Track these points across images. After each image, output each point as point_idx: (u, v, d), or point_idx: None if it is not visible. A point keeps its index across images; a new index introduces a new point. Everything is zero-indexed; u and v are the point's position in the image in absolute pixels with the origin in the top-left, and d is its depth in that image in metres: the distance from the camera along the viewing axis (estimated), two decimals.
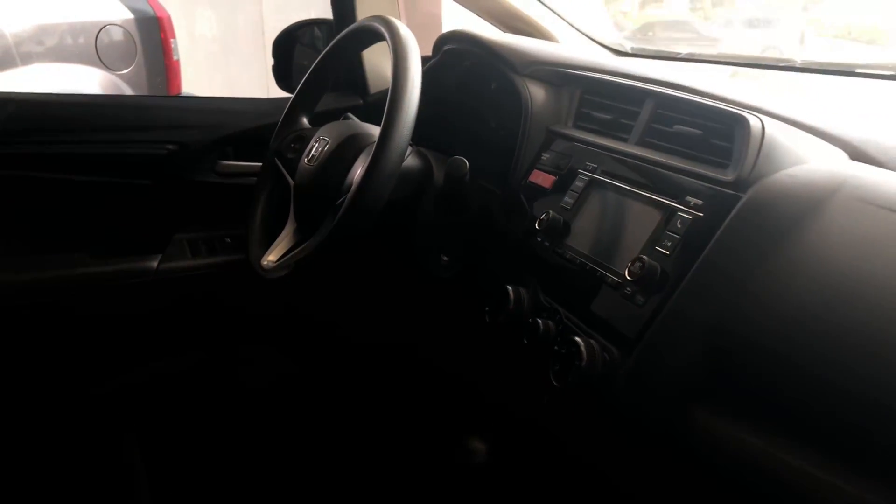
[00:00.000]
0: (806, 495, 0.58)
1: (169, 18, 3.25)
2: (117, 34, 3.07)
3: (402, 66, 0.94)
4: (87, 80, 2.97)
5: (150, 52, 3.17)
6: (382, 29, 1.03)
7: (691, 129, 0.84)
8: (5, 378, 1.17)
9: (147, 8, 3.18)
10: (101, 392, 1.24)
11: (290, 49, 1.61)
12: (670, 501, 0.73)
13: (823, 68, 1.31)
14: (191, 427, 1.14)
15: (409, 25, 1.49)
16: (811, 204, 0.69)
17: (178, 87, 3.33)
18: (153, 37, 3.17)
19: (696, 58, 1.52)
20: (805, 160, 0.76)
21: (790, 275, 0.66)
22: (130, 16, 3.12)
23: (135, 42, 3.12)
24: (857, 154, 0.81)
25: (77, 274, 1.35)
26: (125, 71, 3.11)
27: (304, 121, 1.24)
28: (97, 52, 3.00)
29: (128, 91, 3.13)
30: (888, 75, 1.17)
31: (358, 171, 1.02)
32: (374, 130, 1.11)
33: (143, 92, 3.20)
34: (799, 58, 1.32)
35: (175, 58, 3.26)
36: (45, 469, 1.06)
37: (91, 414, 1.20)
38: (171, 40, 3.23)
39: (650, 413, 0.71)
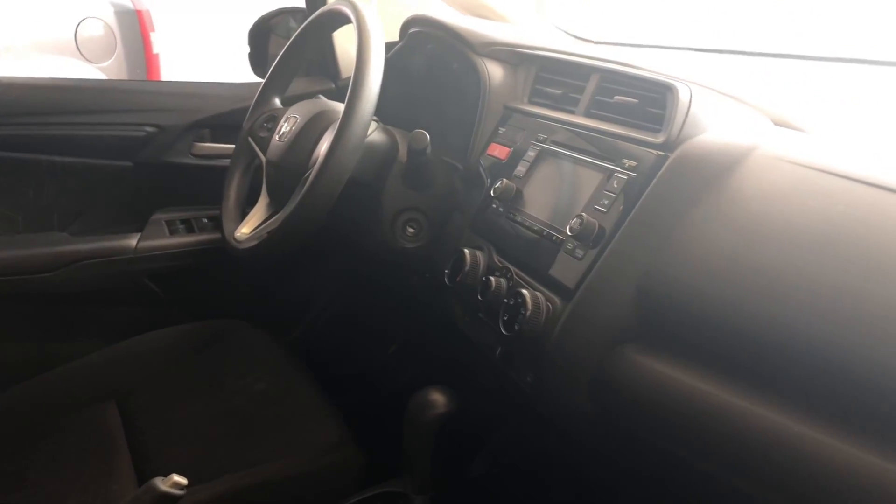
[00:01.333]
0: (716, 417, 0.65)
1: (148, 12, 3.28)
2: (97, 27, 3.10)
3: (364, 44, 1.00)
4: (68, 73, 3.00)
5: (130, 46, 3.21)
6: (348, 11, 1.09)
7: (629, 99, 0.91)
8: None
9: (127, 2, 3.22)
10: (80, 365, 1.28)
11: (265, 37, 1.65)
12: (605, 436, 0.80)
13: (772, 54, 1.38)
14: (170, 397, 1.19)
15: (383, 13, 1.56)
16: (731, 160, 0.76)
17: (158, 79, 3.37)
18: (133, 30, 3.20)
19: (658, 46, 1.59)
20: (730, 124, 0.83)
21: (710, 223, 0.73)
22: (110, 9, 3.16)
23: (114, 35, 3.15)
24: (780, 121, 0.88)
25: (56, 252, 1.40)
26: (105, 64, 3.14)
27: (277, 101, 1.29)
28: (77, 44, 3.03)
29: None
30: (829, 58, 1.25)
31: (324, 145, 1.08)
32: (341, 107, 1.17)
33: None
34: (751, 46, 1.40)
35: (155, 51, 3.29)
36: (28, 440, 1.10)
37: (72, 386, 1.24)
38: (151, 34, 3.27)
39: (584, 355, 0.78)
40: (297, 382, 1.22)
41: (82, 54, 3.06)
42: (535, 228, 0.91)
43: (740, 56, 1.46)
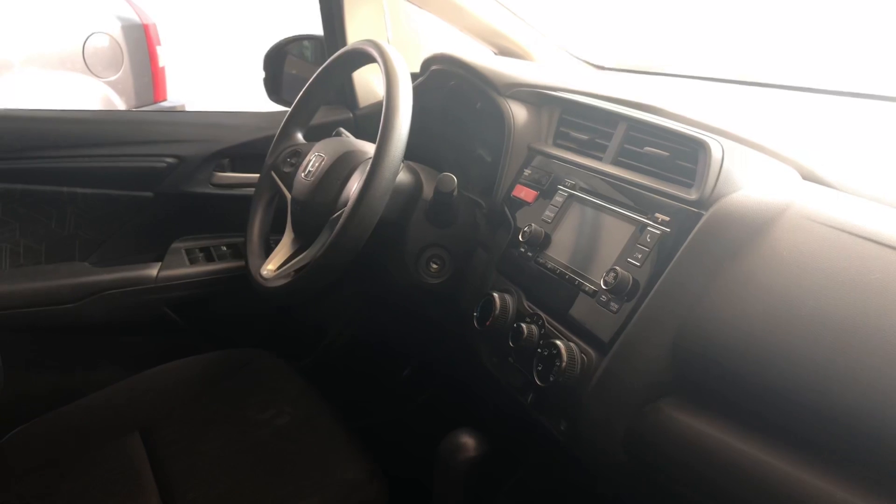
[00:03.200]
0: (753, 478, 0.66)
1: (155, 26, 3.29)
2: (104, 41, 3.10)
3: (394, 89, 1.01)
4: (74, 88, 3.01)
5: (137, 60, 3.21)
6: (374, 53, 1.10)
7: (660, 152, 0.93)
8: (11, 384, 1.22)
9: (133, 16, 3.23)
10: (102, 396, 1.29)
11: (280, 63, 1.67)
12: (639, 487, 0.82)
13: (787, 86, 1.41)
14: (194, 429, 1.20)
15: (394, 41, 1.58)
16: (763, 221, 0.78)
17: (164, 93, 3.38)
18: (140, 44, 3.21)
19: (670, 74, 1.61)
20: (760, 180, 0.85)
21: (744, 282, 0.75)
22: (117, 23, 3.16)
23: (121, 49, 3.16)
24: (808, 174, 0.90)
25: (78, 283, 1.41)
26: (112, 78, 3.15)
27: (299, 136, 1.31)
28: (84, 59, 3.04)
29: (115, 97, 3.17)
30: (845, 93, 1.27)
31: (354, 186, 1.09)
32: (368, 147, 1.18)
33: (130, 98, 3.24)
34: (764, 77, 1.42)
35: (161, 65, 3.30)
36: (53, 472, 1.11)
37: (95, 417, 1.25)
38: (157, 47, 3.27)
39: (620, 408, 0.79)
40: (318, 415, 1.23)
41: (89, 69, 3.06)
42: (567, 277, 0.93)
43: (753, 87, 1.48)
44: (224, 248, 1.56)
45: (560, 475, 1.15)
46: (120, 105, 3.18)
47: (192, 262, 1.52)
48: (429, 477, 1.08)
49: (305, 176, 1.16)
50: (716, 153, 0.84)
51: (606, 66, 1.75)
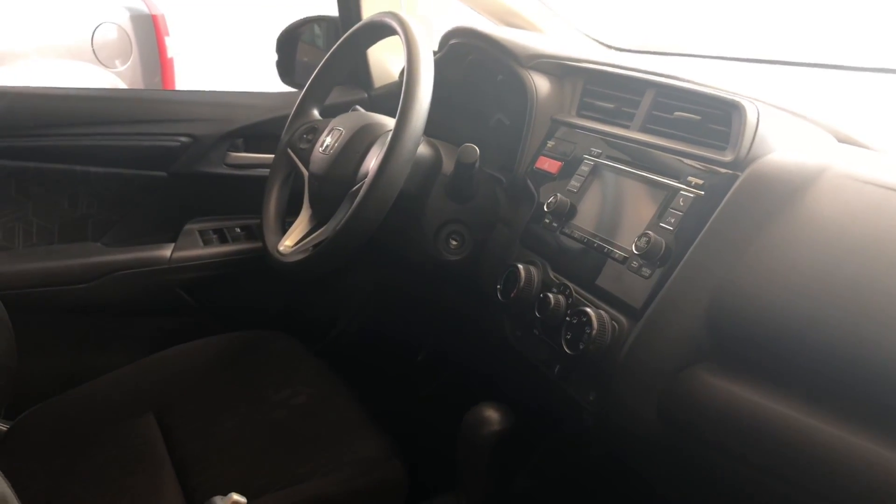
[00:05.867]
0: (792, 440, 0.64)
1: (163, 17, 3.29)
2: (113, 32, 3.10)
3: (415, 60, 1.00)
4: (83, 77, 3.00)
5: (146, 50, 3.21)
6: (395, 24, 1.08)
7: (691, 115, 0.90)
8: (25, 364, 1.20)
9: (142, 6, 3.22)
10: (116, 376, 1.28)
11: (293, 45, 1.65)
12: (672, 455, 0.79)
13: (812, 63, 1.38)
14: (209, 409, 1.18)
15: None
16: (802, 181, 0.76)
17: (172, 84, 3.37)
18: (148, 34, 3.21)
19: (688, 54, 1.59)
20: (797, 142, 0.83)
21: (784, 244, 0.72)
22: (126, 14, 3.16)
23: (130, 40, 3.15)
24: (844, 138, 0.88)
25: (91, 263, 1.40)
26: (120, 68, 3.15)
27: (315, 113, 1.29)
28: (93, 49, 3.03)
29: (123, 87, 3.17)
30: (872, 68, 1.25)
31: (373, 159, 1.08)
32: (386, 121, 1.16)
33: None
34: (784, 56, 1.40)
35: (169, 55, 3.29)
36: (68, 453, 1.09)
37: (109, 398, 1.23)
38: (166, 38, 3.27)
39: (653, 376, 0.77)
40: (336, 394, 1.21)
41: (98, 59, 3.06)
42: (595, 245, 0.91)
43: (782, 66, 1.46)
44: (238, 230, 1.54)
45: (584, 451, 1.13)
46: None
47: (206, 243, 1.50)
48: (448, 455, 1.06)
49: (323, 151, 1.14)
50: (751, 115, 0.82)
51: (622, 47, 1.73)
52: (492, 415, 0.94)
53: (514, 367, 1.10)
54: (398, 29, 1.07)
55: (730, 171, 0.80)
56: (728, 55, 1.55)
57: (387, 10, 1.48)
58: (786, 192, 0.75)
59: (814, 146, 0.83)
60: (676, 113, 0.93)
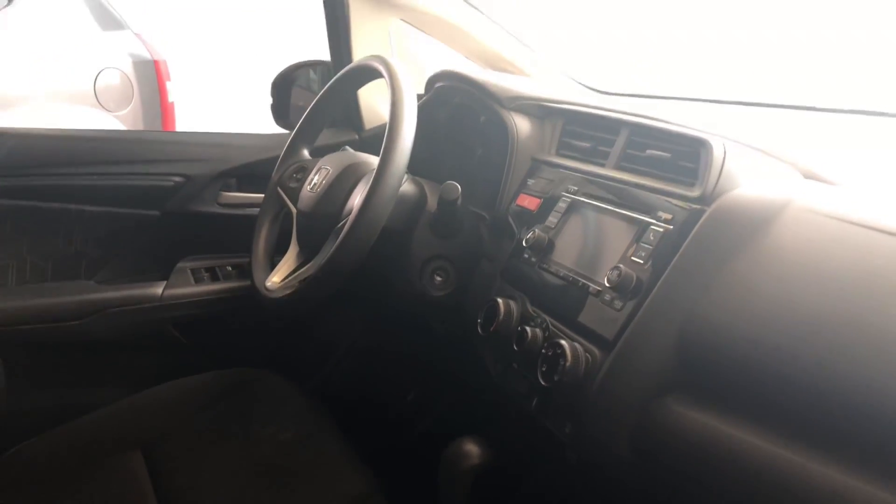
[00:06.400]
0: (761, 470, 0.65)
1: (165, 62, 3.36)
2: (115, 77, 3.17)
3: (398, 100, 1.03)
4: (86, 122, 3.06)
5: (147, 95, 3.28)
6: (381, 67, 1.12)
7: (661, 153, 0.94)
8: (15, 400, 1.22)
9: (144, 52, 3.30)
10: (105, 413, 1.28)
11: (287, 89, 1.70)
12: (646, 484, 0.80)
13: (788, 105, 1.42)
14: (196, 446, 1.18)
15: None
16: (766, 214, 0.78)
17: (173, 128, 3.43)
18: (150, 79, 3.28)
19: (669, 97, 1.64)
20: (762, 177, 0.85)
21: (749, 276, 0.74)
22: (128, 59, 3.23)
23: (132, 84, 3.22)
24: (809, 174, 0.91)
25: (84, 300, 1.41)
26: (122, 112, 3.21)
27: (305, 153, 1.32)
28: (95, 94, 3.10)
29: None
30: (841, 110, 1.29)
31: (357, 196, 1.10)
32: (372, 159, 1.20)
33: None
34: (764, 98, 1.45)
35: (170, 100, 3.36)
36: (55, 489, 1.09)
37: (97, 435, 1.24)
38: (167, 83, 3.34)
39: (625, 406, 0.79)
40: (322, 431, 1.22)
41: (100, 103, 3.12)
42: (570, 279, 0.93)
43: (752, 108, 1.50)
44: (229, 268, 1.56)
45: (566, 483, 1.13)
46: None
47: (198, 281, 1.52)
48: (432, 491, 1.07)
49: (311, 189, 1.17)
50: (717, 151, 0.85)
51: (603, 90, 1.78)
52: (471, 448, 0.95)
53: (495, 401, 1.11)
54: (383, 72, 1.10)
55: (697, 206, 0.82)
56: (704, 97, 1.59)
57: (375, 53, 1.54)
58: (750, 225, 0.78)
59: (778, 181, 0.86)
60: (648, 151, 0.96)
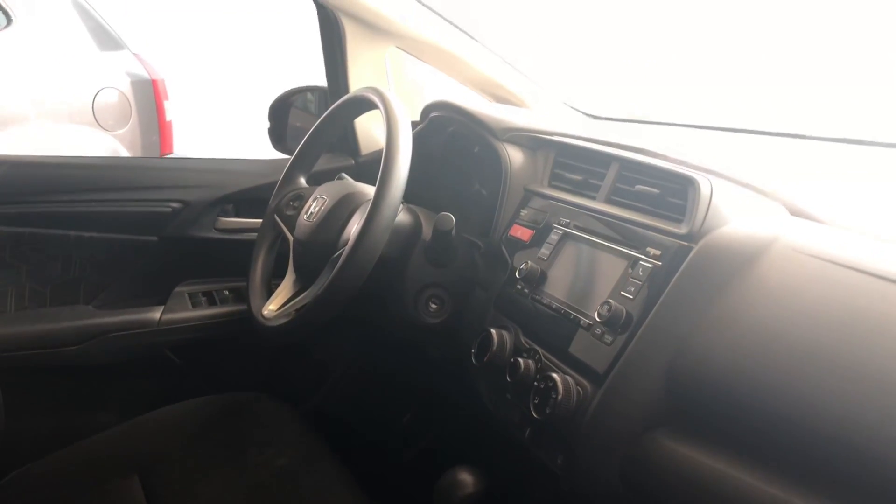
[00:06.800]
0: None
1: (163, 81, 3.39)
2: (113, 96, 3.19)
3: (394, 131, 1.05)
4: (83, 141, 3.08)
5: (145, 114, 3.30)
6: (376, 99, 1.14)
7: (650, 189, 0.96)
8: (13, 425, 1.22)
9: (142, 71, 3.33)
10: (103, 438, 1.29)
11: (284, 113, 1.72)
12: None
13: (776, 133, 1.45)
14: (193, 471, 1.19)
15: (396, 91, 1.63)
16: (752, 252, 0.80)
17: (170, 146, 3.45)
18: (148, 98, 3.30)
19: (660, 122, 1.66)
20: (748, 215, 0.88)
21: (735, 313, 0.76)
22: (126, 79, 3.26)
23: (130, 104, 3.24)
24: (795, 210, 0.93)
25: (82, 325, 1.43)
26: (120, 131, 3.23)
27: (302, 180, 1.34)
28: (94, 113, 3.12)
29: (122, 150, 3.25)
30: (830, 139, 1.31)
31: (354, 226, 1.12)
32: (368, 189, 1.22)
33: (137, 151, 3.31)
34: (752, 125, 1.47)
35: (168, 119, 3.38)
36: None
37: (95, 459, 1.25)
38: (165, 102, 3.36)
39: (616, 439, 0.80)
40: (317, 457, 1.23)
41: (99, 122, 3.14)
42: (562, 311, 0.95)
43: (741, 134, 1.53)
44: (226, 293, 1.58)
45: None
46: None
47: (195, 305, 1.54)
48: None
49: (307, 218, 1.19)
50: (704, 189, 0.87)
51: (599, 115, 1.81)
52: (465, 478, 0.96)
53: (488, 431, 1.12)
54: (379, 104, 1.13)
55: (685, 243, 0.84)
56: (696, 124, 1.62)
57: (372, 82, 1.56)
58: (736, 263, 0.80)
59: (765, 219, 0.88)
60: (638, 186, 0.98)
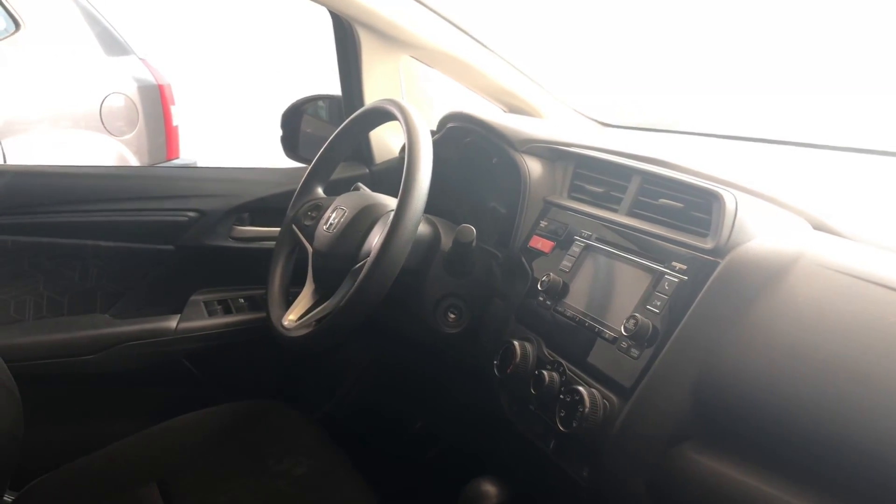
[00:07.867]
0: None
1: (170, 86, 3.39)
2: (120, 101, 3.20)
3: (415, 145, 1.06)
4: (90, 145, 3.09)
5: (152, 119, 3.31)
6: (395, 111, 1.15)
7: (674, 203, 0.96)
8: (32, 434, 1.23)
9: (149, 77, 3.33)
10: (121, 446, 1.30)
11: (297, 121, 1.73)
12: None
13: (793, 142, 1.46)
14: (211, 480, 1.20)
15: (408, 100, 1.63)
16: (778, 269, 0.81)
17: (176, 151, 3.46)
18: (154, 103, 3.31)
19: (673, 131, 1.67)
20: (773, 230, 0.88)
21: (762, 327, 0.77)
22: (134, 84, 3.27)
23: (137, 109, 3.25)
24: (818, 224, 0.94)
25: (99, 334, 1.43)
26: (127, 136, 3.23)
27: (320, 190, 1.35)
28: (101, 118, 3.12)
29: (128, 155, 3.25)
30: (850, 149, 1.32)
31: (376, 238, 1.13)
32: (388, 201, 1.22)
33: (143, 156, 3.32)
34: (766, 134, 1.48)
35: (174, 124, 3.39)
36: None
37: (113, 468, 1.25)
38: (171, 107, 3.37)
39: (643, 453, 0.81)
40: (335, 465, 1.23)
41: (106, 128, 3.15)
42: (586, 324, 0.95)
43: (753, 143, 1.54)
44: (242, 301, 1.59)
45: None
46: (133, 162, 3.27)
47: (211, 314, 1.54)
48: None
49: (327, 228, 1.20)
50: (730, 204, 0.88)
51: (612, 123, 1.82)
52: (489, 489, 0.97)
53: (510, 441, 1.13)
54: (399, 116, 1.13)
55: (711, 258, 0.85)
56: (712, 132, 1.63)
57: (386, 91, 1.57)
58: (763, 279, 0.81)
59: (790, 235, 0.89)
60: (661, 200, 0.98)
